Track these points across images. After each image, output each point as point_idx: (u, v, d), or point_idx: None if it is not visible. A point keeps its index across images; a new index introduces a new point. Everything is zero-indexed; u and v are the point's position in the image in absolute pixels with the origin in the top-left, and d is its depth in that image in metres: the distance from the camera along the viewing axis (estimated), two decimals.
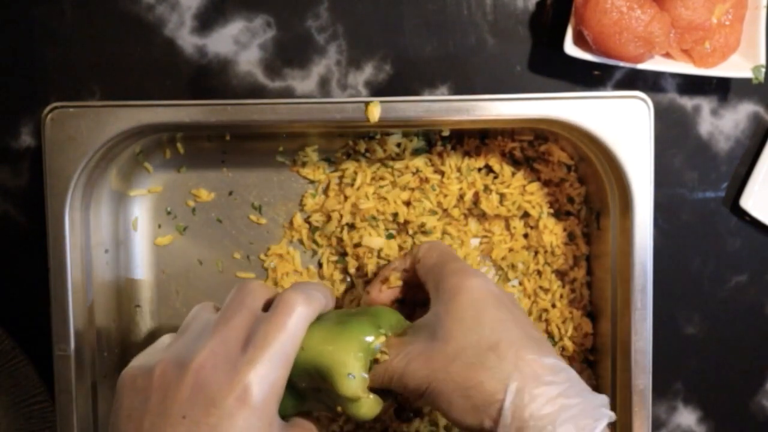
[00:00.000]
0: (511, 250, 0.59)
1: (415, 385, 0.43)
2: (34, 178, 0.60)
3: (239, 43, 0.59)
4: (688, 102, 0.60)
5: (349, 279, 0.60)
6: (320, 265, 0.60)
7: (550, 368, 0.41)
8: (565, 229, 0.58)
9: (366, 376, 0.44)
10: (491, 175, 0.59)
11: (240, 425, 0.40)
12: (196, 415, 0.40)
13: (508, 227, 0.59)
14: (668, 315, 0.61)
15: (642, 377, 0.52)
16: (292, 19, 0.59)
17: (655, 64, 0.56)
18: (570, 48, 0.56)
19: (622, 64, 0.55)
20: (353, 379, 0.43)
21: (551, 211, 0.58)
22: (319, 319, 0.45)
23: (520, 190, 0.58)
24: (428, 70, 0.60)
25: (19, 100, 0.59)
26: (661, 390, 0.62)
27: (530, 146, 0.58)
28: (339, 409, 0.45)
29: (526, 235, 0.59)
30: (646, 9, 0.53)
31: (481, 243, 0.60)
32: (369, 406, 0.45)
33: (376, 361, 0.44)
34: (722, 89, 0.60)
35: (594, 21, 0.53)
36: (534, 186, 0.58)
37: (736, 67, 0.56)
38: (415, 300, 0.53)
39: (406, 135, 0.58)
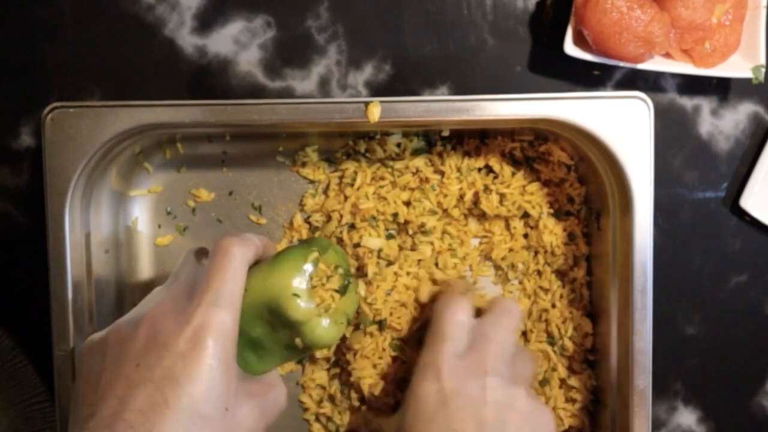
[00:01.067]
0: (511, 250, 0.59)
1: None
2: (34, 178, 0.60)
3: (239, 43, 0.59)
4: (688, 102, 0.60)
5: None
6: None
7: None
8: (565, 229, 0.58)
9: (312, 303, 0.45)
10: (491, 175, 0.59)
11: (194, 365, 0.41)
12: (149, 361, 0.41)
13: (508, 227, 0.59)
14: (668, 315, 0.61)
15: (642, 377, 0.52)
16: (292, 19, 0.59)
17: (655, 64, 0.56)
18: (570, 48, 0.56)
19: (622, 64, 0.55)
20: (299, 298, 0.45)
21: (551, 211, 0.58)
22: (258, 263, 0.47)
23: (520, 190, 0.58)
24: (428, 70, 0.60)
25: (19, 100, 0.59)
26: (661, 390, 0.62)
27: (530, 146, 0.58)
28: (298, 341, 0.46)
29: (526, 235, 0.59)
30: (646, 9, 0.53)
31: (481, 243, 0.60)
32: (324, 327, 0.46)
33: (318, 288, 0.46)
34: (722, 89, 0.60)
35: (594, 21, 0.53)
36: (534, 186, 0.58)
37: (736, 67, 0.56)
38: None
39: (406, 135, 0.58)
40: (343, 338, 0.57)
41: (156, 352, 0.41)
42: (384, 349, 0.57)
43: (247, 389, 0.45)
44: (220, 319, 0.42)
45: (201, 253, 0.49)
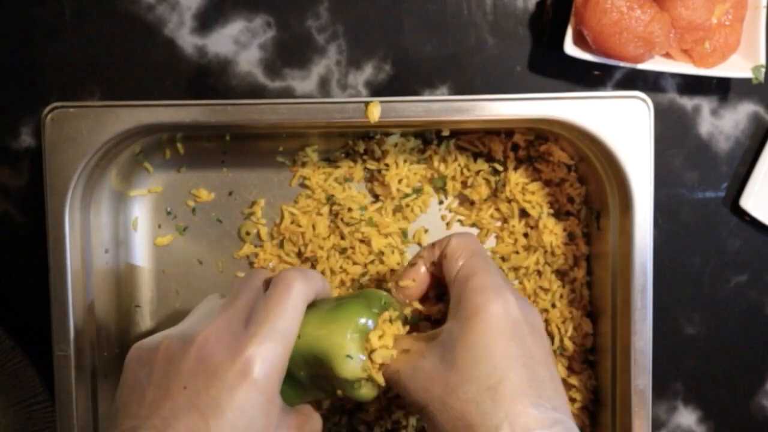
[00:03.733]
0: (514, 252, 0.59)
1: (413, 401, 0.44)
2: (34, 178, 0.60)
3: (239, 43, 0.59)
4: (688, 102, 0.60)
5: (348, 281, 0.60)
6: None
7: (543, 421, 0.40)
8: (565, 229, 0.58)
9: (363, 357, 0.44)
10: (491, 174, 0.59)
11: (240, 398, 0.40)
12: (197, 386, 0.41)
13: (508, 227, 0.59)
14: (668, 315, 0.61)
15: (642, 377, 0.52)
16: (292, 19, 0.59)
17: (655, 64, 0.56)
18: (570, 48, 0.56)
19: (622, 64, 0.55)
20: (351, 360, 0.44)
21: (551, 211, 0.58)
22: (314, 306, 0.46)
23: (520, 190, 0.58)
24: (428, 70, 0.60)
25: (19, 100, 0.59)
26: (661, 390, 0.62)
27: (530, 146, 0.58)
28: (339, 393, 0.45)
29: (526, 235, 0.59)
30: (646, 9, 0.53)
31: (481, 242, 0.60)
32: (369, 386, 0.45)
33: (373, 351, 0.45)
34: (722, 89, 0.60)
35: (594, 21, 0.53)
36: (534, 186, 0.58)
37: (736, 67, 0.56)
38: (444, 294, 0.52)
39: (405, 135, 0.58)
40: None
41: (205, 377, 0.41)
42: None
43: (287, 421, 0.44)
44: (273, 353, 0.42)
45: (263, 277, 0.47)
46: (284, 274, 0.45)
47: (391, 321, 0.47)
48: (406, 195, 0.59)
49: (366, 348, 0.45)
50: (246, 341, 0.42)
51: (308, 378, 0.45)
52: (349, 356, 0.44)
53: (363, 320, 0.45)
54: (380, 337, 0.45)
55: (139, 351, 0.44)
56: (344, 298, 0.47)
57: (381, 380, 0.45)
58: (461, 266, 0.47)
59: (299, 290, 0.44)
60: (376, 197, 0.60)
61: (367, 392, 0.45)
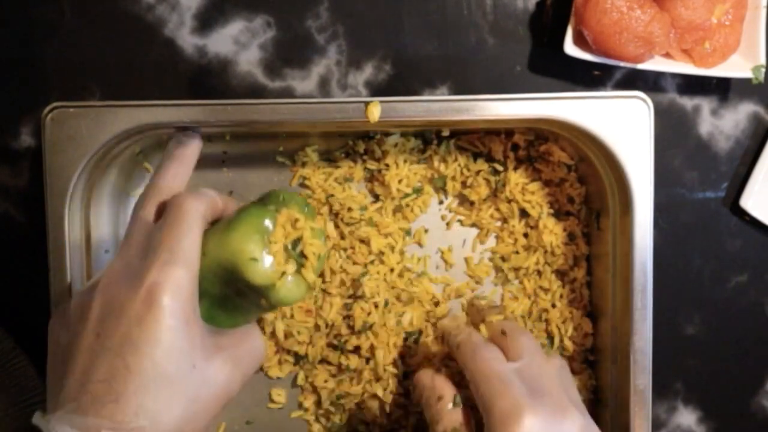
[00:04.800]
0: (514, 252, 0.59)
1: None
2: (34, 178, 0.60)
3: (239, 43, 0.59)
4: (688, 102, 0.60)
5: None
6: None
7: None
8: (565, 229, 0.58)
9: (270, 257, 0.43)
10: (492, 174, 0.59)
11: (151, 328, 0.40)
12: (108, 330, 0.40)
13: (508, 227, 0.59)
14: (668, 315, 0.61)
15: (642, 377, 0.52)
16: (292, 19, 0.59)
17: (655, 64, 0.56)
18: (570, 48, 0.56)
19: (622, 64, 0.55)
20: (257, 262, 0.43)
21: (551, 211, 0.58)
22: (217, 222, 0.45)
23: (520, 190, 0.58)
24: (428, 70, 0.59)
25: (19, 100, 0.59)
26: (661, 390, 0.62)
27: (530, 146, 0.58)
28: (263, 302, 0.44)
29: (526, 235, 0.59)
30: (646, 9, 0.53)
31: (481, 242, 0.60)
32: (288, 288, 0.44)
33: (279, 248, 0.44)
34: (722, 89, 0.60)
35: (594, 21, 0.53)
36: (534, 186, 0.58)
37: (736, 67, 0.56)
38: None
39: (405, 135, 0.58)
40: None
41: (113, 318, 0.41)
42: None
43: (217, 343, 0.43)
44: (175, 275, 0.41)
45: (150, 208, 0.46)
46: (175, 197, 0.44)
47: (294, 222, 0.46)
48: (406, 195, 0.59)
49: (271, 247, 0.44)
50: (145, 271, 0.41)
51: (231, 294, 0.44)
52: (253, 259, 0.43)
53: (261, 221, 0.44)
54: (286, 234, 0.44)
55: (56, 317, 0.44)
56: (243, 206, 0.46)
57: (311, 278, 0.44)
58: (471, 369, 0.48)
59: (191, 208, 0.43)
60: (376, 197, 0.60)
61: (287, 294, 0.44)
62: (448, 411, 0.50)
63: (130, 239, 0.44)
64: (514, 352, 0.49)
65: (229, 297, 0.45)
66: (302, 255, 0.46)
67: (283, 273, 0.44)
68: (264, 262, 0.43)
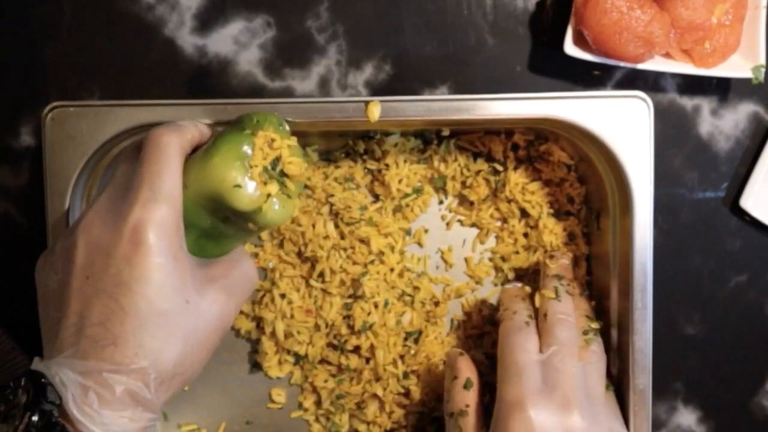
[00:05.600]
0: (514, 252, 0.59)
1: None
2: (34, 178, 0.60)
3: (239, 43, 0.59)
4: (688, 102, 0.60)
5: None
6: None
7: None
8: (565, 229, 0.58)
9: (253, 182, 0.43)
10: (491, 174, 0.59)
11: (140, 267, 0.40)
12: (97, 272, 0.40)
13: (508, 227, 0.59)
14: (668, 315, 0.61)
15: (642, 377, 0.52)
16: (292, 19, 0.59)
17: (655, 64, 0.56)
18: (570, 48, 0.56)
19: (622, 64, 0.55)
20: (241, 189, 0.43)
21: (551, 211, 0.58)
22: (195, 152, 0.45)
23: (520, 190, 0.58)
24: (428, 70, 0.59)
25: (19, 100, 0.59)
26: (661, 390, 0.62)
27: (530, 146, 0.58)
28: (251, 226, 0.44)
29: (526, 235, 0.59)
30: (646, 9, 0.53)
31: (481, 242, 0.60)
32: (274, 209, 0.44)
33: (261, 171, 0.44)
34: (722, 89, 0.60)
35: (594, 21, 0.53)
36: (534, 186, 0.58)
37: (736, 67, 0.56)
38: None
39: (405, 135, 0.58)
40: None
41: (101, 260, 0.40)
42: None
43: (208, 274, 0.44)
44: (158, 212, 0.41)
45: (135, 149, 0.46)
46: (151, 132, 0.44)
47: (271, 142, 0.45)
48: (406, 195, 0.59)
49: (252, 171, 0.43)
50: (127, 210, 0.41)
51: (217, 223, 0.44)
52: (237, 186, 0.43)
53: (240, 146, 0.44)
54: (265, 156, 0.44)
55: (41, 262, 0.44)
56: (219, 133, 0.46)
57: (295, 196, 0.44)
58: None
59: (168, 142, 0.43)
60: (376, 197, 0.60)
61: (274, 216, 0.44)
62: (459, 392, 0.51)
63: (113, 180, 0.44)
64: (545, 340, 0.50)
65: (216, 226, 0.44)
66: (283, 174, 0.45)
67: (269, 195, 0.44)
68: (248, 188, 0.43)
